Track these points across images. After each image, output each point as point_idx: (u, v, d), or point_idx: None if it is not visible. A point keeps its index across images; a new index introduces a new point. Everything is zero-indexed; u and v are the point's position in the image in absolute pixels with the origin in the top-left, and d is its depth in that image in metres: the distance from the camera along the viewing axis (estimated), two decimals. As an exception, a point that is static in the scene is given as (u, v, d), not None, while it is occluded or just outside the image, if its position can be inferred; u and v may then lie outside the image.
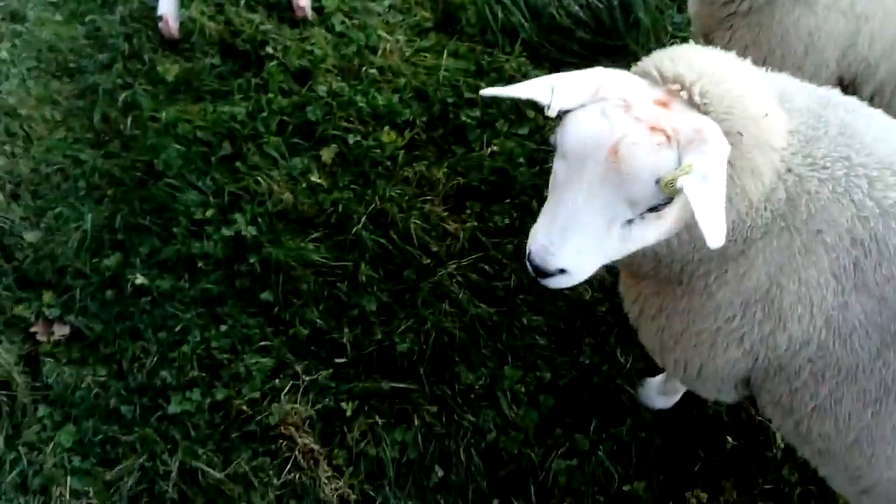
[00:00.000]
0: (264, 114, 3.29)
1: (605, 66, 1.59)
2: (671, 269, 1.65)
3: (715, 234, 1.31)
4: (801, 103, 1.64)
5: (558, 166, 1.47)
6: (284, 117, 3.31)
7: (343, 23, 3.64)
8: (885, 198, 1.54)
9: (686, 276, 1.67)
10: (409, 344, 2.73)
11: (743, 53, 2.36)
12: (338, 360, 2.74)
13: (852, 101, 1.71)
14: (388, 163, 3.18)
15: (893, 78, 2.36)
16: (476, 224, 3.02)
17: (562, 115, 1.48)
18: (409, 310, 2.82)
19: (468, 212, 3.07)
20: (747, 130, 1.46)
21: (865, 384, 1.61)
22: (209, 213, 3.02)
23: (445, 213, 3.07)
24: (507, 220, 3.04)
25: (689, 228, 1.50)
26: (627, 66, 1.63)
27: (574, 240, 1.40)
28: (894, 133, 1.63)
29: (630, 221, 1.42)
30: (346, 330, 2.78)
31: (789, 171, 1.56)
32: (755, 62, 2.26)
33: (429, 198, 3.09)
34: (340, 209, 3.03)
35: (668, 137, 1.38)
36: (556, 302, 2.83)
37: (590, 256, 1.45)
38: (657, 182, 1.36)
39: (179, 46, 3.58)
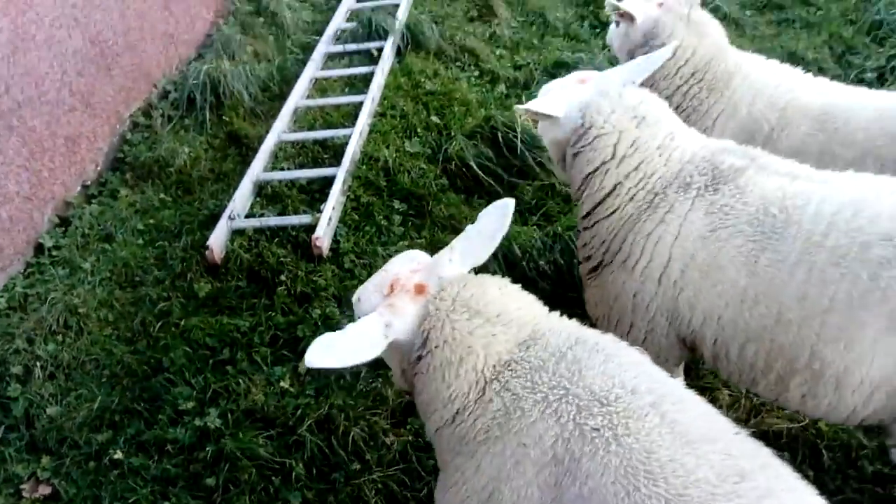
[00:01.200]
0: (262, 328, 3.90)
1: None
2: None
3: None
4: (551, 342, 1.96)
5: None
6: (279, 332, 3.90)
7: (352, 261, 4.31)
8: (585, 424, 1.78)
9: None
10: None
11: (594, 310, 2.76)
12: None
13: (605, 340, 2.01)
14: (350, 377, 3.62)
15: (725, 344, 2.48)
16: (410, 439, 3.34)
17: None
18: (327, 509, 3.12)
19: (409, 427, 3.40)
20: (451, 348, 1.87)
21: None
22: (190, 405, 3.55)
23: (388, 426, 3.42)
24: (437, 439, 3.33)
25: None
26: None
27: None
28: (621, 375, 1.86)
29: None
30: (268, 520, 3.10)
31: (507, 389, 1.88)
32: (602, 317, 2.67)
33: (377, 411, 3.47)
34: (298, 413, 3.46)
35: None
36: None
37: None
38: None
39: (218, 270, 4.37)
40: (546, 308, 2.17)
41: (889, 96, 3.16)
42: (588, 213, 2.75)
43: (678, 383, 1.93)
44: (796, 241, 2.28)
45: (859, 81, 5.49)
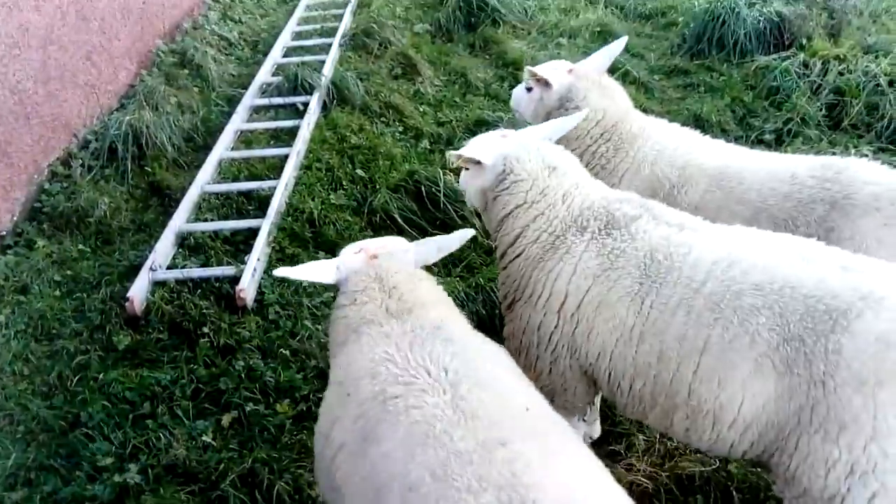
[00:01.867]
0: (184, 381, 3.87)
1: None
2: None
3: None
4: (423, 320, 2.41)
5: None
6: (201, 385, 3.88)
7: (277, 312, 4.34)
8: (388, 391, 2.18)
9: None
10: None
11: (509, 344, 2.94)
12: None
13: (459, 329, 2.44)
14: (275, 430, 3.63)
15: (617, 378, 2.66)
16: (335, 490, 3.36)
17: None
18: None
19: (333, 479, 3.42)
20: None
21: None
22: (108, 460, 3.48)
23: (313, 479, 3.42)
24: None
25: None
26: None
27: None
28: (443, 356, 2.21)
29: None
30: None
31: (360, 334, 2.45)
32: (516, 350, 2.85)
33: (303, 463, 3.48)
34: (221, 467, 3.44)
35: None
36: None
37: None
38: None
39: (139, 322, 4.32)
40: (450, 302, 2.69)
41: (778, 158, 3.44)
42: (503, 254, 3.00)
43: (501, 373, 2.26)
44: (677, 285, 2.49)
45: (759, 142, 5.92)
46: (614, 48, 3.99)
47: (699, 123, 6.45)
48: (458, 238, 2.78)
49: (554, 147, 3.03)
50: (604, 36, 8.15)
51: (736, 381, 2.36)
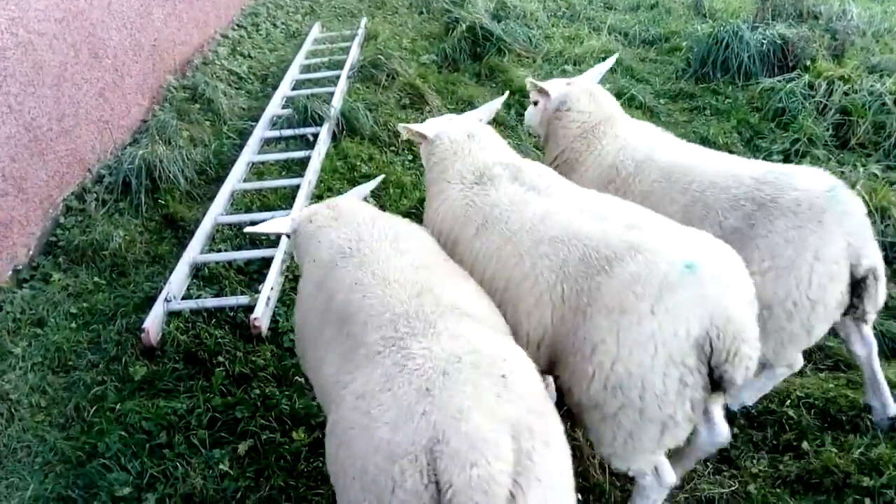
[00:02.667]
0: (200, 410, 3.89)
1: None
2: None
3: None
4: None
5: None
6: (217, 414, 3.89)
7: (291, 340, 4.36)
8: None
9: None
10: None
11: None
12: None
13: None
14: (291, 458, 3.63)
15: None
16: (353, 517, 3.35)
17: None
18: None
19: (350, 506, 3.41)
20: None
21: None
22: (126, 490, 3.48)
23: (331, 506, 3.43)
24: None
25: None
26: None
27: None
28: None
29: None
30: None
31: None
32: None
33: (320, 491, 3.48)
34: (238, 496, 3.44)
35: None
36: None
37: None
38: None
39: (155, 353, 4.35)
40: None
41: (732, 160, 3.66)
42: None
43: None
44: (497, 234, 3.09)
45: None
46: (606, 64, 4.60)
47: (706, 145, 6.47)
48: (371, 183, 3.87)
49: (480, 126, 3.78)
50: (608, 62, 8.24)
51: (523, 311, 2.90)
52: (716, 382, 2.60)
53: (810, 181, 3.24)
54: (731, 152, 6.28)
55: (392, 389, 2.15)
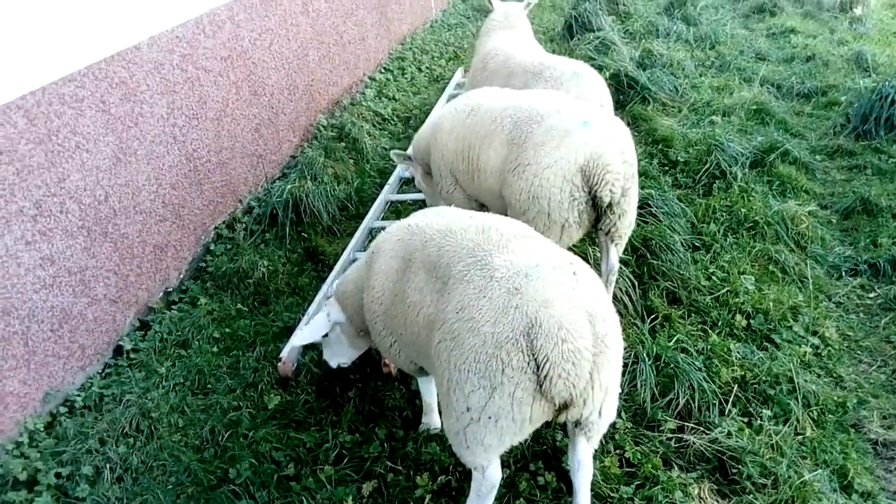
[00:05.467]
0: (328, 445, 3.90)
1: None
2: None
3: None
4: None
5: None
6: (344, 451, 3.89)
7: (420, 382, 4.33)
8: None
9: None
10: None
11: None
12: None
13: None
14: (413, 503, 3.56)
15: None
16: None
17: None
18: None
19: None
20: None
21: None
22: (252, 519, 3.52)
23: (451, 558, 3.33)
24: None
25: None
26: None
27: None
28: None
29: None
30: None
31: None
32: None
33: (441, 541, 3.39)
34: (359, 536, 3.41)
35: None
36: None
37: None
38: None
39: (289, 383, 4.43)
40: None
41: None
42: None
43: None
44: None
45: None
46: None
47: (867, 207, 6.05)
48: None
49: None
50: (760, 115, 7.89)
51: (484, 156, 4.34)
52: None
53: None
54: (894, 217, 5.84)
55: (487, 296, 2.66)
